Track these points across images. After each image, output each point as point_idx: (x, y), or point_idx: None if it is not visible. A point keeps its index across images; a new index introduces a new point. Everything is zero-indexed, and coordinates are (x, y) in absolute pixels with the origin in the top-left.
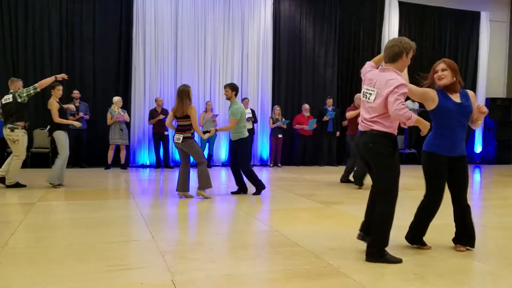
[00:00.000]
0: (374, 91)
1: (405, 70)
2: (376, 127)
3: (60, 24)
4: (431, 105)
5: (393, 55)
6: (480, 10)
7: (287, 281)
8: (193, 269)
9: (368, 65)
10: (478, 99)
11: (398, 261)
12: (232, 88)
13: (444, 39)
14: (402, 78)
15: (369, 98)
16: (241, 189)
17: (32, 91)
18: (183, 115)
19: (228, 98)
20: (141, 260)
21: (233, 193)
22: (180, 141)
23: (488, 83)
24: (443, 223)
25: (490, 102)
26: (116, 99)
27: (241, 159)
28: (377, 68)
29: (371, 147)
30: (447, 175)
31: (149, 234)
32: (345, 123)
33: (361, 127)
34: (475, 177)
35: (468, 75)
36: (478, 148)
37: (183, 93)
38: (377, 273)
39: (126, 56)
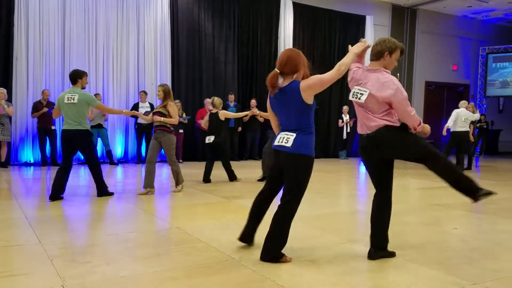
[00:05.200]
0: (366, 91)
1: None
2: (384, 123)
3: None
4: None
5: (376, 52)
6: (365, 14)
7: (188, 278)
8: (85, 272)
9: (354, 65)
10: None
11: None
12: None
13: (333, 40)
14: (395, 78)
15: (359, 98)
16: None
17: None
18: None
19: None
20: (26, 265)
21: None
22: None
23: None
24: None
25: None
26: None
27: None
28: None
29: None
30: None
31: (35, 237)
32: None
33: (362, 130)
34: (361, 169)
35: None
36: None
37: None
38: (275, 263)
39: (6, 45)
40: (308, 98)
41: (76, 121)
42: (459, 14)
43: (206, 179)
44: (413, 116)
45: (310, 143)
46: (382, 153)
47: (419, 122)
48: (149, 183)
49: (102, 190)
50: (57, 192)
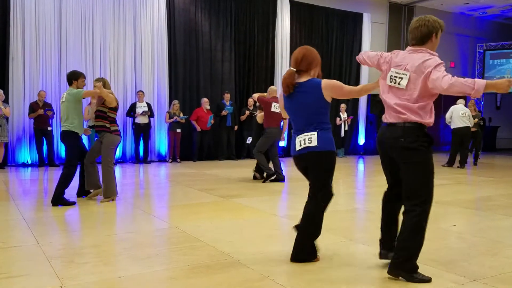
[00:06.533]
0: (406, 74)
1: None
2: (411, 117)
3: None
4: None
5: (422, 35)
6: (363, 12)
7: (187, 278)
8: (84, 273)
9: (385, 53)
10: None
11: (428, 280)
12: None
13: (331, 38)
14: (438, 57)
15: (399, 83)
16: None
17: None
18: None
19: None
20: (24, 267)
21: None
22: None
23: (369, 79)
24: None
25: (371, 97)
26: None
27: None
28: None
29: (402, 142)
30: None
31: (33, 238)
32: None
33: (387, 117)
34: (359, 167)
35: (352, 73)
36: (361, 141)
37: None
38: (274, 261)
39: (2, 45)
40: (328, 97)
41: (63, 122)
42: (456, 11)
43: (260, 174)
44: (459, 84)
45: (332, 139)
46: (396, 152)
47: (473, 86)
48: (93, 184)
49: (58, 197)
50: (82, 189)
